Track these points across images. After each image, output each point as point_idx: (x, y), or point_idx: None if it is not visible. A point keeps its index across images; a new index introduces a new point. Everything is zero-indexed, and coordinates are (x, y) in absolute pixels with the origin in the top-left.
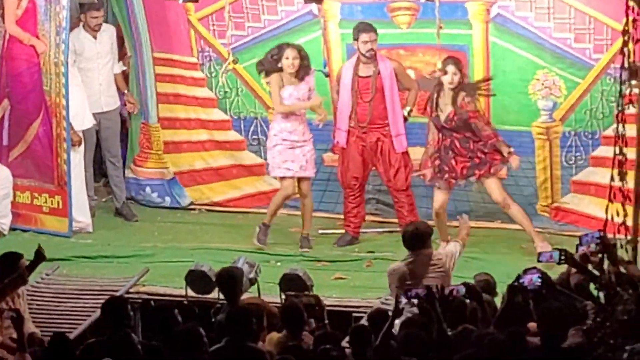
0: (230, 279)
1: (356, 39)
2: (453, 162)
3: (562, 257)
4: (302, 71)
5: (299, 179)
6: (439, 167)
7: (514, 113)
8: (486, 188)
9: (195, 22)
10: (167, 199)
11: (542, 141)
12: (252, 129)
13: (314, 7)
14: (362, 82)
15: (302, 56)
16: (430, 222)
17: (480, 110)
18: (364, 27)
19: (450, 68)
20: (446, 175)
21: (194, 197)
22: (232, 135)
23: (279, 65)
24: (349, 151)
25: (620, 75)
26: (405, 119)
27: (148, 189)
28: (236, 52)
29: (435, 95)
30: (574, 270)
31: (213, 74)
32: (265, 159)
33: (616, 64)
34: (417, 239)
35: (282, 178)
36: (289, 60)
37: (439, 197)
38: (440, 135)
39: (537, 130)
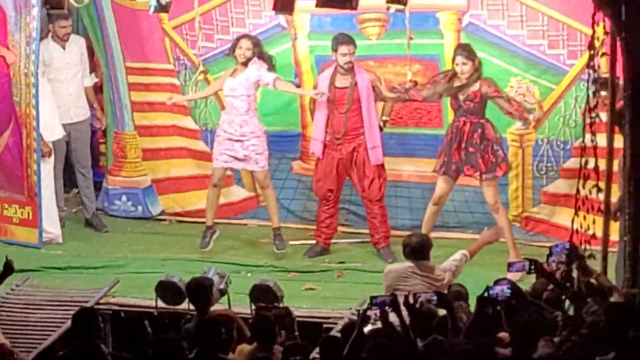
0: (200, 289)
1: (335, 50)
2: (454, 152)
3: (532, 268)
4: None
5: (252, 173)
6: (447, 153)
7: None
8: (483, 190)
9: (170, 30)
10: (140, 208)
11: (515, 148)
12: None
13: (282, 19)
14: (338, 93)
15: (256, 49)
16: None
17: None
18: (343, 40)
19: (458, 59)
20: (452, 165)
21: (168, 206)
22: (202, 146)
23: (234, 54)
24: (325, 162)
25: (587, 88)
26: (381, 129)
27: (124, 198)
28: (206, 63)
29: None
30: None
31: (187, 83)
32: (232, 171)
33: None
34: (418, 251)
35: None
36: (241, 50)
37: (441, 186)
38: (453, 119)
39: (511, 137)
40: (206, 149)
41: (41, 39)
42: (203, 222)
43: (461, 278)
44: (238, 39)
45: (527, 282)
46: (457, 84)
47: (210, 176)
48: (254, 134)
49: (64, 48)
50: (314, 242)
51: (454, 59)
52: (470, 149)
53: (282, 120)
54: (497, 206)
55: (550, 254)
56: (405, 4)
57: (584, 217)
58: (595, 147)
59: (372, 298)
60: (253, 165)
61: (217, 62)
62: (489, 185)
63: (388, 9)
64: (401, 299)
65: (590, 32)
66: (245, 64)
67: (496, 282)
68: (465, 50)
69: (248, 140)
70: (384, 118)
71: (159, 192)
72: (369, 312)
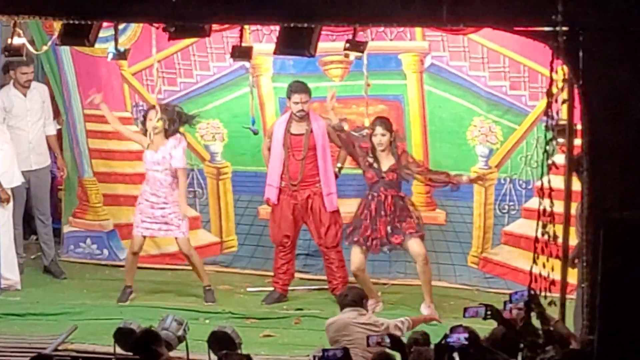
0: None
1: (288, 97)
2: (379, 226)
3: (488, 313)
4: (168, 132)
5: (178, 241)
6: (364, 226)
7: (453, 158)
8: (408, 247)
9: (129, 77)
10: (105, 251)
11: (479, 187)
12: (187, 180)
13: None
14: (294, 139)
15: (168, 118)
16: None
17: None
18: (295, 88)
19: (378, 129)
20: (372, 238)
21: None
22: None
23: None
24: (281, 209)
25: (545, 136)
26: (337, 176)
27: (88, 241)
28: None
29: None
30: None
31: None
32: (200, 212)
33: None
34: (356, 300)
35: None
36: (151, 122)
37: (358, 258)
38: (370, 191)
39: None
40: None
41: (2, 85)
42: (160, 269)
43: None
44: (146, 112)
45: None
46: (371, 159)
47: None
48: (176, 202)
49: (25, 95)
50: (272, 288)
51: (372, 130)
52: (396, 223)
53: (251, 161)
54: (427, 258)
55: (509, 301)
56: (362, 52)
57: (544, 264)
58: (550, 192)
59: (324, 351)
60: (175, 231)
61: (182, 104)
62: (416, 241)
63: (347, 55)
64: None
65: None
66: (163, 135)
67: (453, 329)
68: (384, 122)
69: (170, 208)
70: (339, 165)
71: (122, 237)
72: None
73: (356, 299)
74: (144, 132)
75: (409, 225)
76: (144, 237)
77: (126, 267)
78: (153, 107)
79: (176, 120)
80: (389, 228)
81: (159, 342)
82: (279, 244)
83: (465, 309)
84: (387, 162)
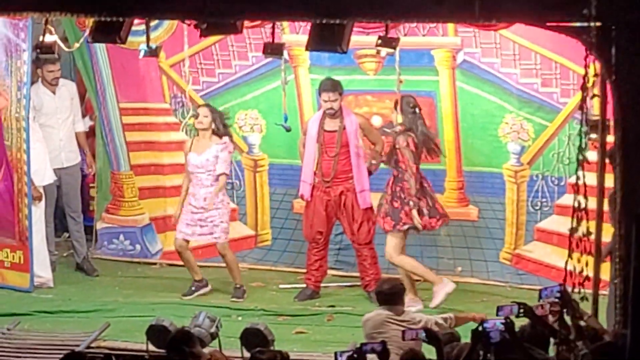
0: (181, 342)
1: (319, 94)
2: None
3: (521, 311)
4: (215, 133)
5: (215, 243)
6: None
7: (485, 155)
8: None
9: (167, 68)
10: (138, 247)
11: (511, 184)
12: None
13: (285, 52)
14: (327, 136)
15: (214, 117)
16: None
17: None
18: (324, 86)
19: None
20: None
21: (167, 245)
22: None
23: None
24: (314, 205)
25: (580, 130)
26: (370, 173)
27: (122, 237)
28: (208, 98)
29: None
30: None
31: (184, 120)
32: (237, 204)
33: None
34: (391, 297)
35: None
36: (198, 119)
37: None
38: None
39: (507, 173)
40: None
41: (32, 83)
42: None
43: None
44: (195, 110)
45: None
46: None
47: None
48: (215, 205)
49: (54, 93)
50: (304, 285)
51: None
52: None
53: (287, 153)
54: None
55: (539, 297)
56: (394, 48)
57: (578, 260)
58: (585, 188)
59: (362, 345)
60: (208, 237)
61: (220, 95)
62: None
63: (378, 52)
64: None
65: (582, 71)
66: (211, 134)
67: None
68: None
69: (208, 212)
70: (373, 162)
71: (158, 230)
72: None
73: (393, 293)
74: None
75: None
76: (185, 240)
77: (186, 265)
78: (205, 105)
79: (221, 123)
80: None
81: (193, 342)
82: (311, 240)
83: (499, 308)
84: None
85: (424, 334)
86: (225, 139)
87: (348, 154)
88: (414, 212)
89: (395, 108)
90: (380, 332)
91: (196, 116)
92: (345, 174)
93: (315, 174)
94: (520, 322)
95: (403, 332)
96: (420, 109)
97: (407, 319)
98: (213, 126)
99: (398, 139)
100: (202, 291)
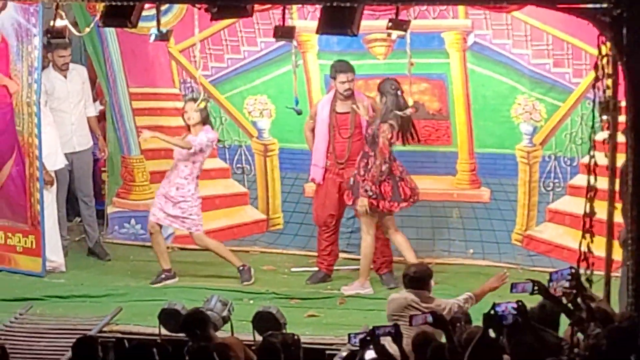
0: (194, 322)
1: (333, 77)
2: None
3: (535, 288)
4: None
5: (191, 234)
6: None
7: (497, 137)
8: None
9: (176, 54)
10: None
11: (523, 165)
12: (236, 157)
13: None
14: (340, 118)
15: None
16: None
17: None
18: (341, 68)
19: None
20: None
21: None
22: (218, 163)
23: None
24: (326, 188)
25: (593, 109)
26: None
27: (133, 221)
28: (216, 83)
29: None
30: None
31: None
32: (248, 188)
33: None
34: (417, 281)
35: None
36: (187, 114)
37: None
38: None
39: (519, 154)
40: (224, 165)
41: (43, 68)
42: (204, 249)
43: None
44: (184, 104)
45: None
46: None
47: (223, 196)
48: (184, 198)
49: (65, 77)
50: (315, 269)
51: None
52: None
53: (297, 138)
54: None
55: (550, 280)
56: (405, 30)
57: (592, 240)
58: (595, 168)
59: (374, 328)
60: (180, 225)
61: (229, 81)
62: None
63: (389, 35)
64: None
65: (594, 51)
66: (196, 128)
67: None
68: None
69: (178, 203)
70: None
71: None
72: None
73: (418, 278)
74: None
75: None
76: (157, 224)
77: (155, 250)
78: (189, 99)
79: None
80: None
81: (207, 324)
82: (322, 224)
83: (513, 285)
84: None
85: (431, 319)
86: (207, 127)
87: (361, 135)
88: (361, 198)
89: (378, 90)
90: (401, 315)
91: (207, 100)
92: (358, 155)
93: (327, 156)
94: (531, 304)
95: (410, 317)
96: (402, 92)
97: (431, 304)
98: (200, 119)
99: (383, 126)
100: (169, 282)
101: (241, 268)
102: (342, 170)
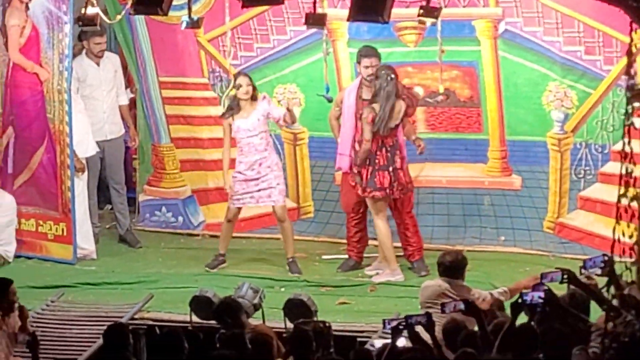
0: (227, 309)
1: (358, 62)
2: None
3: (565, 278)
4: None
5: (273, 208)
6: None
7: (529, 124)
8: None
9: (205, 43)
10: (180, 219)
11: (554, 152)
12: None
13: None
14: (366, 105)
15: (253, 84)
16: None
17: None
18: (365, 52)
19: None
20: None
21: (210, 217)
22: None
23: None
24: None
25: (627, 95)
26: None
27: (163, 209)
28: (246, 72)
29: None
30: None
31: (223, 95)
32: None
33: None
34: (451, 269)
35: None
36: (243, 88)
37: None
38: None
39: (550, 141)
40: None
41: (75, 55)
42: (235, 237)
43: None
44: (234, 79)
45: None
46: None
47: None
48: (270, 168)
49: (98, 64)
50: (346, 256)
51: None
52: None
53: (327, 127)
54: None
55: (583, 267)
56: (436, 18)
57: (627, 226)
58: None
59: (407, 317)
60: (266, 201)
61: (259, 70)
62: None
63: (421, 22)
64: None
65: (625, 39)
66: (250, 100)
67: (533, 288)
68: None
69: (263, 176)
70: (413, 137)
71: (200, 203)
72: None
73: (453, 267)
74: (232, 103)
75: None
76: (239, 208)
77: (221, 235)
78: (240, 73)
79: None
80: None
81: (240, 311)
82: (350, 211)
83: (542, 275)
84: None
85: (463, 306)
86: (260, 96)
87: None
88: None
89: (376, 77)
90: (435, 302)
91: (238, 87)
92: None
93: (354, 143)
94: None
95: (442, 304)
96: (397, 77)
97: (466, 295)
98: (253, 91)
99: (364, 110)
100: (222, 265)
101: (291, 259)
102: None
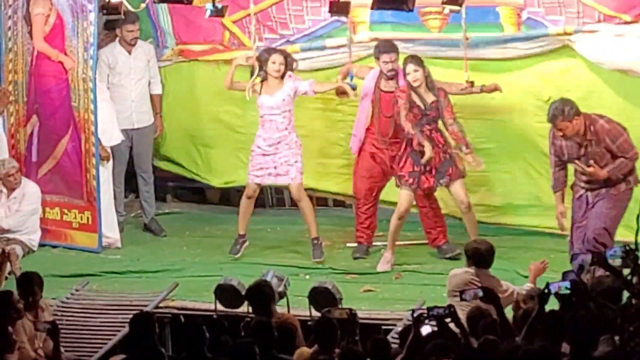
0: (261, 294)
1: (377, 58)
2: (438, 154)
3: (595, 260)
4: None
5: (289, 186)
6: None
7: None
8: (453, 191)
9: (229, 25)
10: None
11: None
12: None
13: None
14: (384, 96)
15: (288, 62)
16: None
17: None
18: (384, 48)
19: (410, 67)
20: (421, 172)
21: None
22: None
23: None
24: (367, 160)
25: None
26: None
27: None
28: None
29: (410, 96)
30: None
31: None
32: None
33: None
34: (479, 257)
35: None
36: (274, 65)
37: (407, 200)
38: (417, 127)
39: None
40: None
41: (108, 43)
42: (259, 225)
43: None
44: (269, 54)
45: None
46: (415, 97)
47: None
48: (289, 146)
49: (129, 53)
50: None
51: (404, 70)
52: (447, 154)
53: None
54: (470, 204)
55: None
56: (460, 5)
57: None
58: None
59: (429, 310)
60: (284, 178)
61: None
62: (462, 184)
63: (443, 9)
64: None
65: None
66: (279, 78)
67: (563, 275)
68: (414, 59)
69: (280, 153)
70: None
71: None
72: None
73: (485, 255)
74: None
75: (450, 166)
76: (257, 184)
77: (240, 214)
78: (275, 50)
79: (289, 63)
80: (444, 159)
81: (272, 297)
82: (362, 196)
83: (573, 256)
84: (427, 98)
85: (481, 293)
86: (290, 73)
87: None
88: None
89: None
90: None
91: (272, 62)
92: (402, 133)
93: (371, 132)
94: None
95: (460, 292)
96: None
97: (493, 285)
98: (284, 69)
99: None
100: (246, 245)
101: (315, 241)
102: (387, 147)
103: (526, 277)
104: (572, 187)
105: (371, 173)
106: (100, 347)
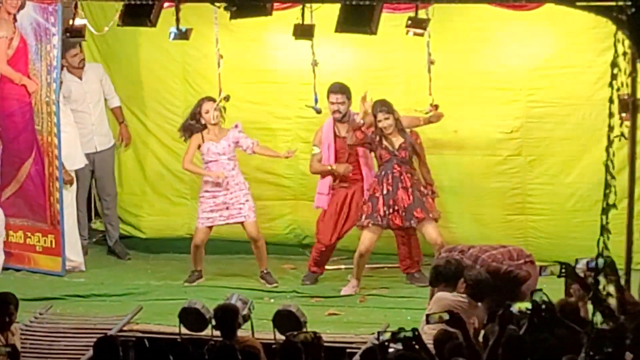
0: (227, 315)
1: (327, 97)
2: (399, 196)
3: (563, 271)
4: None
5: (245, 225)
6: (377, 205)
7: None
8: (424, 232)
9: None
10: None
11: None
12: None
13: None
14: (339, 142)
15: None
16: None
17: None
18: (331, 89)
19: (380, 115)
20: (388, 213)
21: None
22: None
23: (202, 122)
24: (330, 210)
25: (610, 108)
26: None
27: None
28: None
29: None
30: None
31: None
32: None
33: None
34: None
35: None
36: (208, 115)
37: (369, 238)
38: (383, 168)
39: None
40: None
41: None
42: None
43: None
44: (200, 104)
45: None
46: (384, 141)
47: None
48: (238, 186)
49: (80, 78)
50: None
51: (375, 117)
52: (417, 193)
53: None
54: (443, 243)
55: (575, 263)
56: (424, 29)
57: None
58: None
59: (393, 333)
60: (237, 217)
61: None
62: (434, 226)
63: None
64: None
65: None
66: (220, 125)
67: (531, 293)
68: (385, 105)
69: (231, 193)
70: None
71: None
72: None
73: (450, 276)
74: (192, 125)
75: (418, 207)
76: (209, 228)
77: (192, 258)
78: (207, 98)
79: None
80: (412, 197)
81: (237, 317)
82: (327, 243)
83: (541, 268)
84: (396, 141)
85: (447, 316)
86: (237, 123)
87: (356, 156)
88: None
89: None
90: None
91: (227, 98)
92: (354, 174)
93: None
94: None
95: (426, 316)
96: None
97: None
98: (223, 116)
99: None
100: (199, 281)
101: (266, 271)
102: (342, 189)
103: None
104: None
105: (335, 222)
106: None
